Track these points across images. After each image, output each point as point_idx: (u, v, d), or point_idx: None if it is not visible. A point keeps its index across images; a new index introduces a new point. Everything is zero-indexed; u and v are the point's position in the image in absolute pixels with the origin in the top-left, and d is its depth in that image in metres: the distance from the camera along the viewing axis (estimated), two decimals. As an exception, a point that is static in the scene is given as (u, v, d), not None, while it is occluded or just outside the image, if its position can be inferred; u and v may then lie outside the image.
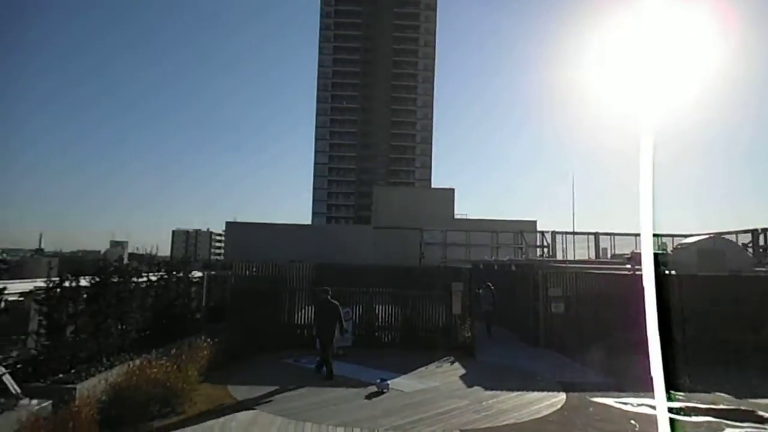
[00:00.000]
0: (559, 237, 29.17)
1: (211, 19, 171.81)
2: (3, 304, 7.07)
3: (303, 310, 15.29)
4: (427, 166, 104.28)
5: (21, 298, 8.58)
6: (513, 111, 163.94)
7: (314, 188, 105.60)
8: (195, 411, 8.26)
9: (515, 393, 9.88)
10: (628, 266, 17.76)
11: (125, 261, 14.64)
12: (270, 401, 9.04)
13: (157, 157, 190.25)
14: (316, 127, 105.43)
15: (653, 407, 8.58)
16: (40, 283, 8.63)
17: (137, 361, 9.04)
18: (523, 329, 16.84)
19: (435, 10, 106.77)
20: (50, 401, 6.94)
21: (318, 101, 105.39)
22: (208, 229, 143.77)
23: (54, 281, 8.62)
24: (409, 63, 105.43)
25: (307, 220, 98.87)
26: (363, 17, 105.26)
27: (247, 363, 12.02)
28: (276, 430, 7.55)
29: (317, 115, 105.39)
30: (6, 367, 7.19)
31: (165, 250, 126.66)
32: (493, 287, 17.75)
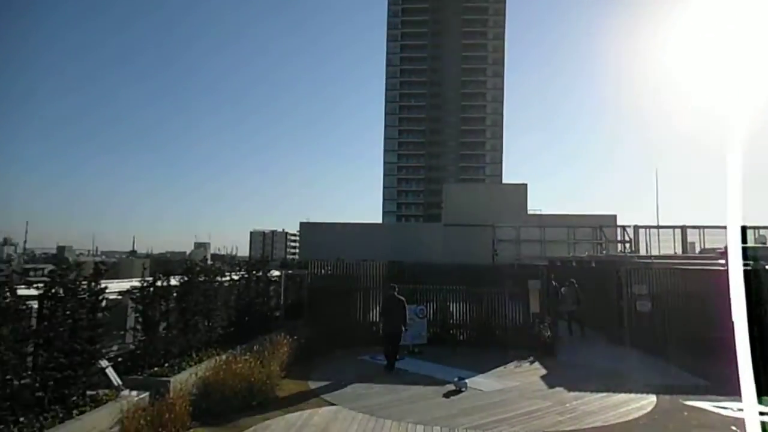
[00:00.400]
0: (641, 231, 27.65)
1: (278, 26, 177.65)
2: (104, 302, 7.58)
3: (377, 308, 15.44)
4: (498, 162, 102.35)
5: (119, 297, 9.19)
6: (587, 102, 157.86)
7: (384, 187, 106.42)
8: (278, 405, 8.54)
9: (601, 394, 9.47)
10: (722, 261, 16.55)
11: (209, 261, 15.39)
12: (349, 397, 9.19)
13: (233, 163, 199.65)
14: (386, 126, 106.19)
15: (761, 413, 7.92)
16: (135, 282, 9.20)
17: (223, 357, 9.47)
18: (606, 328, 16.13)
19: (504, 2, 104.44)
20: (147, 393, 7.39)
21: (386, 101, 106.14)
22: (283, 230, 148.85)
23: (147, 281, 9.16)
24: (478, 57, 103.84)
25: (378, 218, 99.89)
26: (430, 14, 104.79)
27: (325, 359, 12.29)
28: (357, 426, 7.66)
29: (386, 114, 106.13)
30: (108, 360, 7.74)
31: (243, 251, 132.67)
32: (577, 285, 17.02)
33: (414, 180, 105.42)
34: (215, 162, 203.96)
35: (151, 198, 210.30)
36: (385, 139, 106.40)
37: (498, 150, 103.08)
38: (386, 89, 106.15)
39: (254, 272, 14.14)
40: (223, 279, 12.28)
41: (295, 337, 11.75)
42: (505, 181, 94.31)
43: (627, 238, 28.65)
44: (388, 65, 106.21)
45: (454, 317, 15.01)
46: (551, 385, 10.21)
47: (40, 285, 6.76)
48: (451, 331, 14.74)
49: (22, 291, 6.19)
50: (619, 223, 33.25)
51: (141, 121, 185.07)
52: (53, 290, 6.66)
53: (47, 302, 6.64)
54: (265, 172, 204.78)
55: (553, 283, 16.49)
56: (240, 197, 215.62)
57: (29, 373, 6.18)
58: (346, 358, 12.56)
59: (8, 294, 5.76)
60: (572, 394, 9.54)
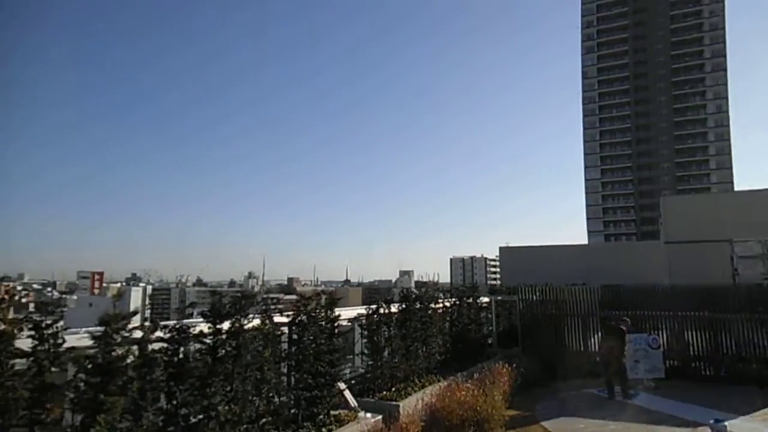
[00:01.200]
0: None
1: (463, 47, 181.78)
2: (338, 328, 8.26)
3: (595, 336, 14.29)
4: (727, 167, 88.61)
5: (349, 324, 9.97)
6: None
7: (587, 206, 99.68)
8: (507, 438, 8.29)
9: None
10: None
11: (412, 288, 15.92)
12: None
13: (433, 191, 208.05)
14: (584, 141, 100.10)
15: None
16: (361, 309, 9.91)
17: (444, 383, 9.60)
18: None
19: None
20: (380, 416, 7.79)
21: (584, 115, 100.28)
22: (482, 256, 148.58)
23: (372, 308, 9.80)
24: (692, 54, 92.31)
25: (583, 240, 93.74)
26: (630, 17, 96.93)
27: (547, 391, 11.67)
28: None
29: (584, 129, 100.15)
30: (344, 383, 8.39)
31: (444, 278, 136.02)
32: None
33: (621, 196, 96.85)
34: (419, 192, 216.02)
35: (363, 229, 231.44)
36: (585, 155, 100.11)
37: (725, 153, 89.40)
38: (583, 103, 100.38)
39: (465, 299, 14.23)
40: (436, 306, 12.55)
41: (514, 366, 11.39)
42: (738, 187, 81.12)
43: None
44: (584, 78, 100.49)
45: (694, 348, 13.08)
46: None
47: (289, 313, 7.66)
48: (694, 364, 12.84)
49: (276, 318, 7.07)
50: None
51: (358, 161, 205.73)
52: (299, 318, 7.50)
53: (295, 328, 7.49)
54: (463, 199, 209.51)
55: None
56: (440, 225, 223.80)
57: (284, 392, 6.98)
58: (570, 391, 11.75)
59: (268, 321, 6.63)
60: None
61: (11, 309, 4.16)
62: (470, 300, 14.43)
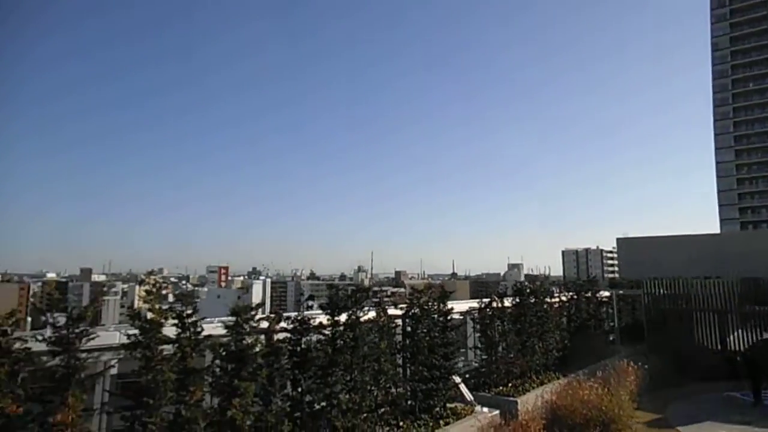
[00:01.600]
0: None
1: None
2: (451, 322, 8.21)
3: (734, 334, 12.94)
4: None
5: (461, 317, 9.88)
6: None
7: (719, 191, 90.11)
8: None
9: None
10: None
11: (523, 281, 15.40)
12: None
13: (542, 182, 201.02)
14: (714, 120, 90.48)
15: None
16: (474, 303, 9.79)
17: (563, 381, 9.21)
18: None
19: None
20: (497, 411, 7.63)
21: (714, 91, 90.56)
22: (597, 247, 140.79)
23: (484, 302, 9.64)
24: None
25: (708, 228, 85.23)
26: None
27: (679, 392, 10.75)
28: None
29: (714, 106, 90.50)
30: (458, 376, 8.32)
31: (555, 271, 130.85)
32: None
33: (761, 179, 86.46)
34: (537, 185, 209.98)
35: (468, 225, 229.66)
36: (716, 135, 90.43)
37: None
38: (713, 78, 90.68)
39: (583, 293, 13.57)
40: (552, 300, 12.10)
41: (640, 364, 10.63)
42: None
43: None
44: (713, 50, 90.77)
45: None
46: None
47: (402, 306, 7.74)
48: None
49: (390, 311, 7.17)
50: None
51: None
52: (412, 310, 7.55)
53: (409, 321, 7.56)
54: (575, 188, 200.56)
55: None
56: (550, 216, 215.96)
57: (401, 383, 7.06)
58: (706, 393, 10.74)
59: (382, 314, 6.74)
60: None
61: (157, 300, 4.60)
62: (589, 294, 13.76)
